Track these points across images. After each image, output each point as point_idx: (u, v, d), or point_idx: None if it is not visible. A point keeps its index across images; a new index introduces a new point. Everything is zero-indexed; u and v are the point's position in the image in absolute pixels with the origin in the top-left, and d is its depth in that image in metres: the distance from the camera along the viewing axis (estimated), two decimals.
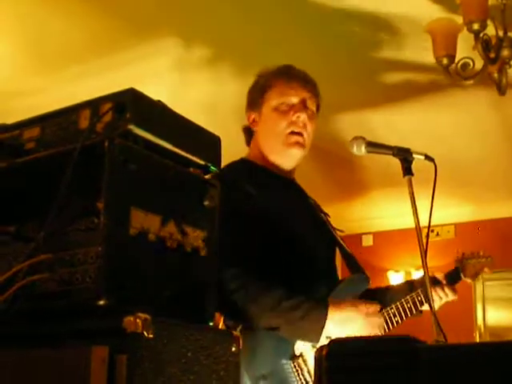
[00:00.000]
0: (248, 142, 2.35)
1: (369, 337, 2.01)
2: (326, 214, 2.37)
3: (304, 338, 1.98)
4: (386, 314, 2.17)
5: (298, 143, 2.20)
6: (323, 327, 1.94)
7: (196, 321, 1.32)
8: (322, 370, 0.91)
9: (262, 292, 1.97)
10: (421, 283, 2.26)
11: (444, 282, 2.36)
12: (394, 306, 2.19)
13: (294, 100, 2.21)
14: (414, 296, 2.22)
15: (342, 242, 2.32)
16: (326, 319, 1.96)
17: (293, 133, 2.20)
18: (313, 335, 1.96)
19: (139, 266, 1.22)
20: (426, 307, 2.22)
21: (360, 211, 6.49)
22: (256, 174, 2.22)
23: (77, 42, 3.63)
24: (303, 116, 2.20)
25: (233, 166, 2.23)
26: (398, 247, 6.46)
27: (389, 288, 2.53)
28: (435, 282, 2.32)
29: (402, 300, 2.21)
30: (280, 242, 2.09)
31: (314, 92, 2.28)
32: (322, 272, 2.18)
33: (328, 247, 2.28)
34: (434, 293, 2.25)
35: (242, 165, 2.26)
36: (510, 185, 5.63)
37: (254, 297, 1.95)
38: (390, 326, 2.17)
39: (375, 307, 2.07)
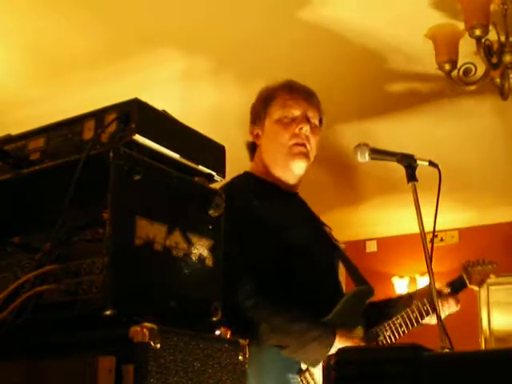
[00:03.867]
0: (252, 158, 2.34)
1: (376, 345, 2.03)
2: (328, 228, 2.37)
3: (306, 360, 2.02)
4: (392, 324, 2.18)
5: (301, 153, 2.20)
6: (328, 353, 1.99)
7: (202, 330, 1.31)
8: (331, 379, 0.92)
9: (274, 311, 2.01)
10: (422, 294, 2.27)
11: (446, 291, 2.34)
12: (399, 317, 2.20)
13: (296, 113, 2.21)
14: (420, 306, 2.21)
15: (345, 254, 2.32)
16: (331, 346, 2.00)
17: (296, 144, 2.19)
18: (315, 359, 2.01)
19: (145, 275, 1.22)
20: (427, 320, 2.22)
21: (364, 217, 6.48)
22: (259, 187, 2.22)
23: (80, 50, 3.63)
24: (306, 128, 2.20)
25: (236, 179, 2.22)
26: (402, 253, 6.45)
27: (392, 300, 2.53)
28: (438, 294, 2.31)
29: (408, 309, 2.21)
30: (281, 254, 2.10)
31: (316, 105, 2.28)
32: (326, 285, 2.19)
33: (331, 260, 2.28)
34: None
35: (245, 179, 2.26)
36: None
37: (267, 315, 1.99)
38: (397, 336, 2.18)
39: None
